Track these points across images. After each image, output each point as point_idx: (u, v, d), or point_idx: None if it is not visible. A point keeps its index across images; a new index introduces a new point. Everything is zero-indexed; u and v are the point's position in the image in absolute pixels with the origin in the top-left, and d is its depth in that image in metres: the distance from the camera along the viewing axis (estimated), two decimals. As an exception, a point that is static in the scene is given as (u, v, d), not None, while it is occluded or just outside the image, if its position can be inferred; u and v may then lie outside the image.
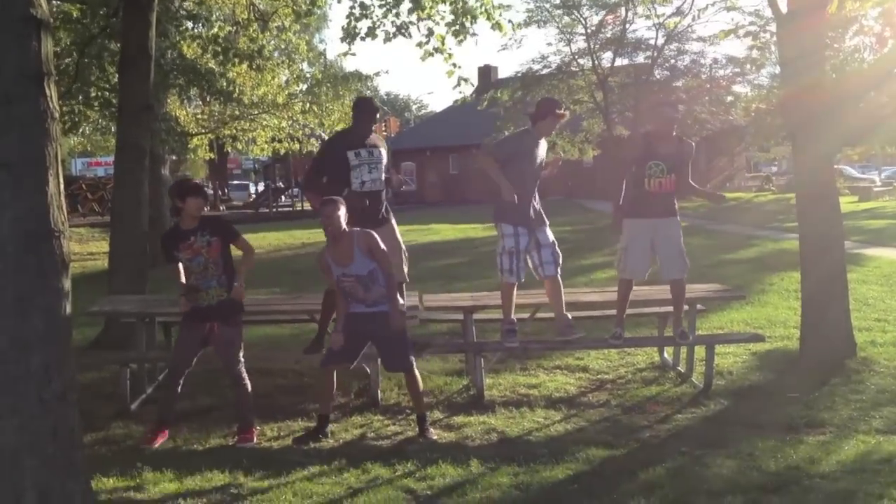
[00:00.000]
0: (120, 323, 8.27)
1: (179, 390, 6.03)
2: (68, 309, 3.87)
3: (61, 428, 3.80)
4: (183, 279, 5.99)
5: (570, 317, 6.76)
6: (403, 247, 6.86)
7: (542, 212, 6.86)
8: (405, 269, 6.77)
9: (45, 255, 3.74)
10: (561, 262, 6.76)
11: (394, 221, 6.88)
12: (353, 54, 9.81)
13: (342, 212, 5.75)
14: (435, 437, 5.89)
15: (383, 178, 6.71)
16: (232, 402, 6.77)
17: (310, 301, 7.65)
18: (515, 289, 6.71)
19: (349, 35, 9.63)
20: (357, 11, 9.57)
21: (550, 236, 6.78)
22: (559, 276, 6.75)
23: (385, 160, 6.73)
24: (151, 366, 7.34)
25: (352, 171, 6.51)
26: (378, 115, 6.93)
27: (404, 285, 6.81)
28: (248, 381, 6.02)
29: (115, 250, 8.93)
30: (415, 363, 6.01)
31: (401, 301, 6.26)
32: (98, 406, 6.68)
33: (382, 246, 5.82)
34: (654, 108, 6.99)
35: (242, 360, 6.03)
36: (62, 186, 3.87)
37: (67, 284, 3.84)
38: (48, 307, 3.76)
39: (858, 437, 5.64)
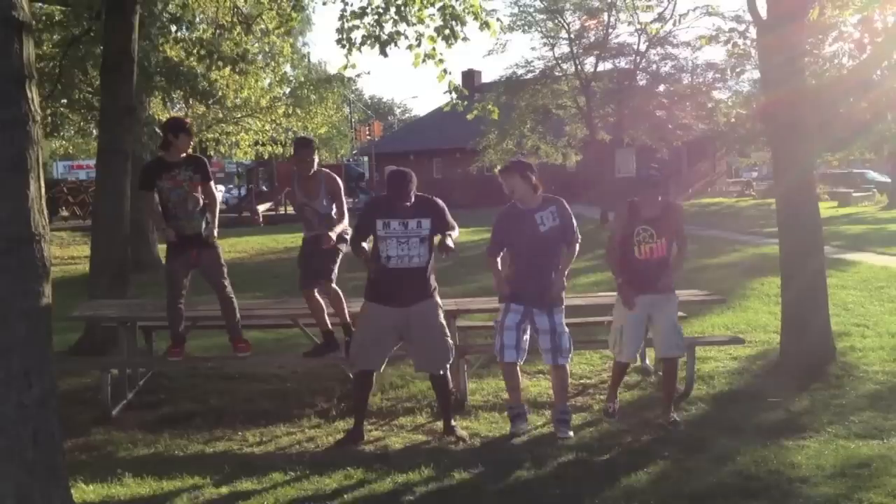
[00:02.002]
0: (101, 328, 8.23)
1: (183, 309, 6.74)
2: (49, 313, 3.85)
3: (41, 434, 3.78)
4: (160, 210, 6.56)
5: (567, 411, 6.16)
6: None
7: (556, 292, 6.10)
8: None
9: (25, 259, 3.72)
10: (567, 349, 6.09)
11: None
12: (354, 66, 9.66)
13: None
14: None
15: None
16: (214, 407, 6.80)
17: (293, 306, 7.64)
18: (515, 367, 6.18)
19: (343, 44, 9.57)
20: (348, 23, 9.51)
21: (554, 321, 6.04)
22: (567, 366, 6.20)
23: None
24: (132, 371, 7.30)
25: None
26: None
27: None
28: (234, 297, 6.74)
29: (96, 254, 8.85)
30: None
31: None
32: (78, 411, 6.63)
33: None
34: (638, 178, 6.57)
35: (227, 278, 6.66)
36: (43, 190, 3.85)
37: (48, 289, 3.82)
38: (28, 311, 3.73)
39: (838, 441, 5.68)
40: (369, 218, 5.85)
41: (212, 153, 26.66)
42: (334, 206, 6.65)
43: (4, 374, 3.66)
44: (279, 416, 6.54)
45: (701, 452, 5.51)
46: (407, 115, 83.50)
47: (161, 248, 18.65)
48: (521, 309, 6.06)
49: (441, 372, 6.01)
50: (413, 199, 5.76)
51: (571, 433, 5.97)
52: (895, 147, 30.78)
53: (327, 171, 6.75)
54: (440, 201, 6.04)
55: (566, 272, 6.19)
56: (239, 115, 20.06)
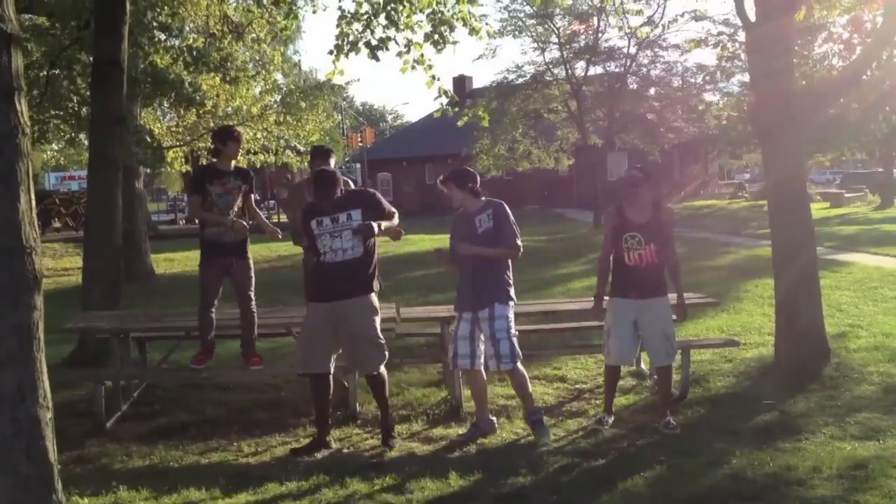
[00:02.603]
0: (94, 339, 8.19)
1: (213, 318, 6.82)
2: (41, 326, 3.82)
3: (35, 447, 3.75)
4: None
5: (536, 411, 6.14)
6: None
7: (494, 289, 6.01)
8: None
9: (16, 272, 3.70)
10: (506, 354, 5.93)
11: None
12: (342, 73, 9.65)
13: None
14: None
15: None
16: (208, 417, 6.79)
17: (287, 315, 7.63)
18: (478, 375, 6.16)
19: (338, 52, 9.56)
20: (347, 27, 9.51)
21: (493, 328, 5.93)
22: (518, 368, 6.04)
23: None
24: (126, 382, 7.27)
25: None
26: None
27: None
28: (256, 312, 6.86)
29: (88, 266, 8.82)
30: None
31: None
32: (73, 424, 6.59)
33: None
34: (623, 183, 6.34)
35: (253, 291, 6.80)
36: (34, 202, 3.83)
37: (40, 301, 3.80)
38: (20, 325, 3.71)
39: (834, 443, 5.68)
40: (305, 223, 5.93)
41: (204, 162, 26.67)
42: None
43: (-4, 389, 3.63)
44: (274, 426, 6.52)
45: (697, 456, 5.50)
46: (399, 121, 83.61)
47: (154, 259, 18.67)
48: (469, 317, 6.07)
49: (375, 372, 5.99)
50: (341, 195, 5.89)
51: (547, 439, 5.93)
52: (886, 147, 30.97)
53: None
54: (372, 191, 6.20)
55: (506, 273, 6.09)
56: (230, 124, 20.01)
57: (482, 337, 6.05)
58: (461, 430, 6.23)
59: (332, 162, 7.01)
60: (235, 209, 6.73)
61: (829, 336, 8.06)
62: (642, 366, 7.92)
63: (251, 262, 6.90)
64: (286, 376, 7.72)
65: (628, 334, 6.21)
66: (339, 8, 9.57)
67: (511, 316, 6.04)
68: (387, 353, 6.02)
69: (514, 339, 6.02)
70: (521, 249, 6.09)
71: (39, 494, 3.76)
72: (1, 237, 3.66)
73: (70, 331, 7.50)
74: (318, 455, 5.77)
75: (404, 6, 9.32)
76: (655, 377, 7.46)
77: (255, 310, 6.85)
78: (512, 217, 6.10)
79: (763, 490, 4.88)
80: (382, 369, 6.02)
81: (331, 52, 9.52)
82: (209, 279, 6.76)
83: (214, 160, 6.90)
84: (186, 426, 6.59)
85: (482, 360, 6.13)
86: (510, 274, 6.15)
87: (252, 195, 6.95)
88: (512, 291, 6.11)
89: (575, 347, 8.49)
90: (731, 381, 7.52)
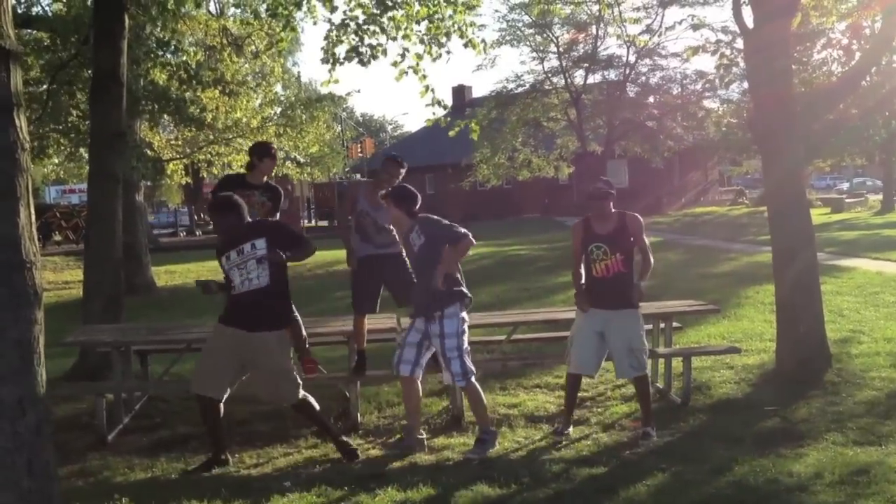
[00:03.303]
0: (95, 353, 8.19)
1: None
2: (41, 340, 3.83)
3: (36, 462, 3.75)
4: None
5: (486, 431, 6.04)
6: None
7: (445, 295, 5.95)
8: None
9: (16, 287, 3.70)
10: (458, 371, 5.93)
11: None
12: (337, 81, 9.70)
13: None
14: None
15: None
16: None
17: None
18: (413, 385, 6.13)
19: (330, 60, 9.61)
20: (334, 35, 9.55)
21: (444, 346, 5.93)
22: (471, 384, 6.00)
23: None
24: (128, 395, 7.28)
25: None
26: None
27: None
28: (300, 317, 6.56)
29: (89, 279, 8.82)
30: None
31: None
32: (74, 437, 6.61)
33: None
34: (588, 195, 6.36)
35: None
36: (33, 217, 3.84)
37: (40, 315, 3.80)
38: (20, 339, 3.71)
39: (836, 449, 5.68)
40: (218, 259, 5.86)
41: (204, 174, 26.72)
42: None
43: (-3, 403, 3.63)
44: (276, 438, 6.52)
45: (699, 463, 5.50)
46: (398, 131, 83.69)
47: (155, 271, 18.68)
48: (421, 326, 6.07)
49: (294, 402, 5.90)
50: (247, 224, 5.80)
51: (478, 455, 5.84)
52: (886, 152, 31.00)
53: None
54: (278, 222, 6.24)
55: (450, 272, 5.98)
56: (230, 136, 20.06)
57: (431, 348, 6.08)
58: (463, 440, 6.23)
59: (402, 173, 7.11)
60: None
61: (830, 342, 8.07)
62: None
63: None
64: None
65: (592, 344, 6.18)
66: (329, 20, 9.56)
67: (462, 329, 5.98)
68: (301, 382, 5.90)
69: (467, 356, 5.98)
70: (470, 234, 5.99)
71: (41, 509, 3.76)
72: (1, 252, 3.67)
73: (71, 344, 7.49)
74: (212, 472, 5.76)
75: (398, 17, 9.36)
76: (657, 385, 7.48)
77: (300, 318, 6.70)
78: (438, 218, 6.11)
79: (765, 497, 4.87)
80: (303, 394, 5.89)
81: (325, 61, 9.57)
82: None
83: (245, 173, 7.03)
84: (188, 438, 6.59)
85: (421, 371, 6.16)
86: (459, 276, 6.09)
87: (277, 212, 6.90)
88: (464, 290, 6.04)
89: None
90: (733, 387, 7.51)
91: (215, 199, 5.98)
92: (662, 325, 7.63)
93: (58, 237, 32.25)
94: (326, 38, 9.56)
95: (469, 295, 6.07)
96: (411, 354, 6.07)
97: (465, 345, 6.00)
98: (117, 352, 7.05)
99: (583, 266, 6.27)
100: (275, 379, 5.81)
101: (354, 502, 5.03)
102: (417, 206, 6.18)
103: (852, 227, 25.70)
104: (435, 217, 6.15)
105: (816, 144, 8.86)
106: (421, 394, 6.36)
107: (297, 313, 6.39)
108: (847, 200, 38.67)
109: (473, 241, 6.03)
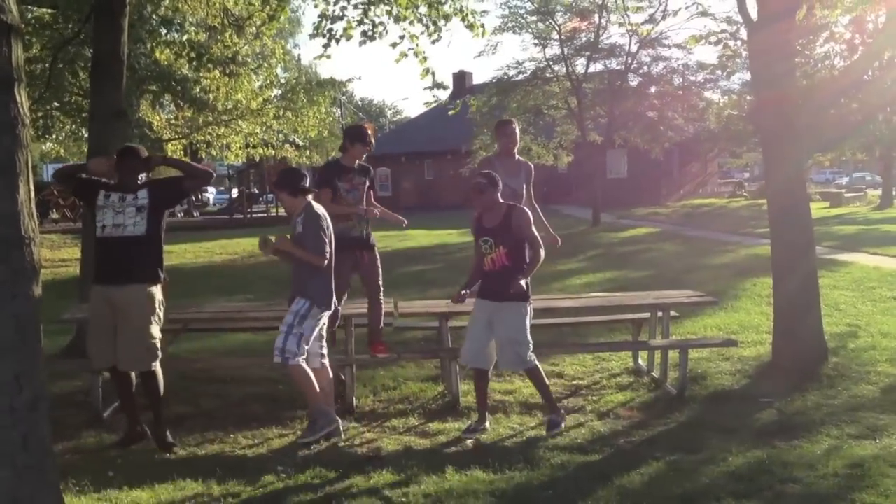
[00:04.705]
0: (92, 331, 8.16)
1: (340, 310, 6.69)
2: (39, 316, 3.82)
3: (32, 438, 3.75)
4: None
5: (329, 411, 5.99)
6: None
7: (298, 284, 6.08)
8: None
9: (15, 262, 3.69)
10: (279, 346, 5.88)
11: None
12: (329, 57, 9.69)
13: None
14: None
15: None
16: (205, 410, 6.81)
17: (285, 308, 7.60)
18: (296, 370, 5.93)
19: (322, 35, 9.55)
20: (332, 10, 9.50)
21: (286, 317, 6.00)
22: (292, 365, 5.89)
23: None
24: (124, 373, 7.26)
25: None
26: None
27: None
28: (383, 302, 7.00)
29: (86, 257, 8.77)
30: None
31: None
32: (69, 414, 6.61)
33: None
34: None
35: (381, 282, 6.98)
36: (32, 193, 3.83)
37: (38, 291, 3.79)
38: (18, 315, 3.70)
39: (831, 442, 5.69)
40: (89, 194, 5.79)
41: (203, 156, 26.64)
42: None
43: (-6, 378, 3.63)
44: (271, 419, 6.52)
45: (693, 453, 5.51)
46: (398, 116, 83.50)
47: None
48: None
49: (145, 370, 5.77)
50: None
51: (306, 440, 5.84)
52: (886, 148, 30.99)
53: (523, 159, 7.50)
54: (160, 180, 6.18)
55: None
56: (229, 118, 19.99)
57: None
58: (459, 425, 6.24)
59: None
60: (364, 203, 6.97)
61: (827, 335, 8.08)
62: (640, 362, 7.93)
63: (378, 254, 7.08)
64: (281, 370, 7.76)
65: (482, 336, 6.15)
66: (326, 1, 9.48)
67: (303, 312, 5.92)
68: (159, 353, 5.79)
69: (293, 336, 5.88)
70: (326, 259, 5.95)
71: (36, 485, 3.76)
72: (0, 228, 3.65)
73: (67, 322, 7.47)
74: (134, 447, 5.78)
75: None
76: (653, 374, 7.50)
77: (383, 300, 7.03)
78: (318, 225, 5.96)
79: (759, 488, 4.88)
80: (157, 367, 5.80)
81: (312, 37, 9.53)
82: (338, 273, 6.53)
83: (339, 156, 7.16)
84: (183, 418, 6.59)
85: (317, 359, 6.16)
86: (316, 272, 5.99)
87: (372, 190, 7.12)
88: (313, 290, 5.99)
89: (572, 344, 8.51)
90: (729, 379, 7.52)
91: (127, 151, 5.87)
92: (660, 315, 7.63)
93: (55, 215, 32.23)
94: (321, 15, 9.50)
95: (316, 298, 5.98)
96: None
97: (300, 329, 5.89)
98: (113, 330, 7.01)
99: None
100: (129, 339, 5.65)
101: (349, 484, 5.04)
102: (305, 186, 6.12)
103: (851, 222, 25.71)
104: (316, 215, 6.00)
105: (819, 140, 8.79)
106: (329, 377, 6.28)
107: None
108: (846, 195, 38.68)
109: (320, 263, 5.95)
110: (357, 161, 7.01)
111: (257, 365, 7.71)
